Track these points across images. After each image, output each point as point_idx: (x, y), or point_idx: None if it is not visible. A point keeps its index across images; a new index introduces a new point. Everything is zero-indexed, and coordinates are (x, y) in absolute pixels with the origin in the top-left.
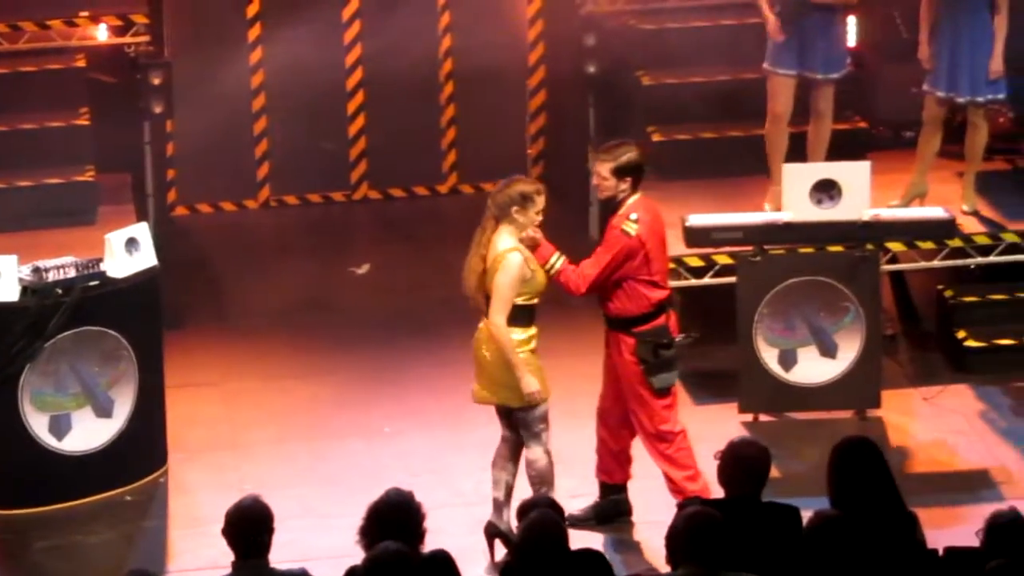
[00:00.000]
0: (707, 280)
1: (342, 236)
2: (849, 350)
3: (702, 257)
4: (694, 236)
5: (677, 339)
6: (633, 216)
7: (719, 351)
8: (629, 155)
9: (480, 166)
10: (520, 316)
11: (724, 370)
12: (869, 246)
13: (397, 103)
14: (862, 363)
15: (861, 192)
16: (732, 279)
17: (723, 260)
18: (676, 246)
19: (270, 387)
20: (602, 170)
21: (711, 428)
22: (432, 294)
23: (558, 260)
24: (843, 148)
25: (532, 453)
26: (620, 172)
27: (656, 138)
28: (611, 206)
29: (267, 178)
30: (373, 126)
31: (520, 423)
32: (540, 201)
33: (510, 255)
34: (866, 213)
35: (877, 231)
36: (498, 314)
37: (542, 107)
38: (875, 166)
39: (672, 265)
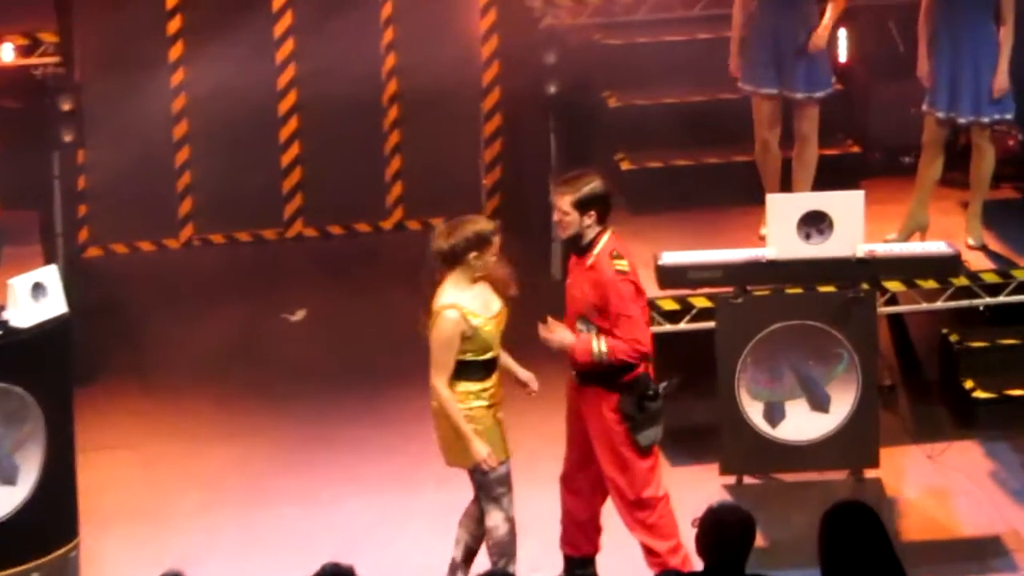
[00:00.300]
0: (683, 325)
1: (274, 279)
2: (843, 403)
3: (677, 299)
4: (668, 276)
5: (662, 387)
6: (614, 253)
7: (697, 405)
8: (592, 185)
9: (429, 199)
10: (470, 371)
11: (703, 426)
12: (864, 286)
13: (335, 129)
14: (857, 417)
15: (854, 225)
16: (711, 324)
17: (701, 303)
18: (648, 288)
19: (194, 449)
20: (562, 204)
21: (689, 492)
22: (375, 343)
23: (601, 344)
24: (833, 176)
25: (491, 520)
26: (582, 205)
27: (625, 166)
28: (577, 246)
29: (190, 215)
30: (309, 155)
31: (476, 486)
32: (496, 241)
33: (445, 313)
34: (860, 249)
35: (873, 269)
36: (435, 376)
37: (498, 132)
38: (869, 196)
39: None
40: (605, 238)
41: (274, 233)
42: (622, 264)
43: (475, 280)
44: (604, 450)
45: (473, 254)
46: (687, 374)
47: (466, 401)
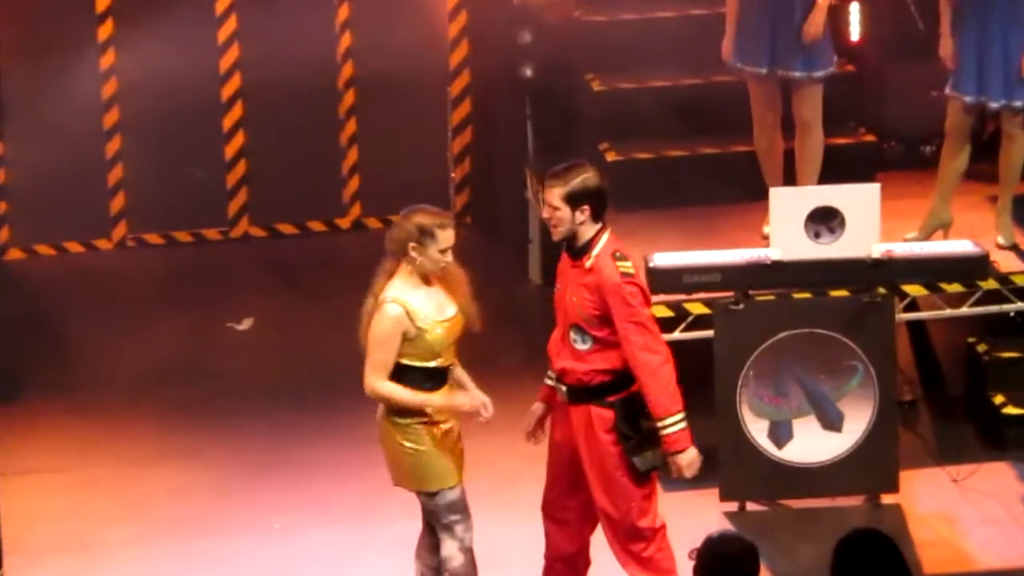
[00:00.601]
0: (677, 335)
1: (218, 283)
2: (857, 421)
3: (671, 306)
4: (660, 280)
5: None
6: (617, 254)
7: (694, 424)
8: (584, 177)
9: (390, 195)
10: (410, 378)
11: (701, 447)
12: (880, 290)
13: (285, 117)
14: (873, 437)
15: (869, 222)
16: (708, 333)
17: (697, 309)
18: None
19: (130, 473)
20: (551, 198)
21: (685, 520)
22: (331, 355)
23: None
24: (845, 168)
25: (445, 549)
26: (574, 199)
27: (610, 157)
28: (571, 247)
29: (123, 212)
30: (255, 146)
31: (426, 513)
32: (444, 237)
33: (387, 306)
34: (876, 249)
35: (890, 271)
36: (369, 374)
37: (467, 120)
38: (886, 190)
39: None
40: (604, 237)
41: (217, 233)
42: (627, 266)
43: (428, 279)
44: (596, 475)
45: (412, 245)
46: (683, 389)
47: (402, 415)
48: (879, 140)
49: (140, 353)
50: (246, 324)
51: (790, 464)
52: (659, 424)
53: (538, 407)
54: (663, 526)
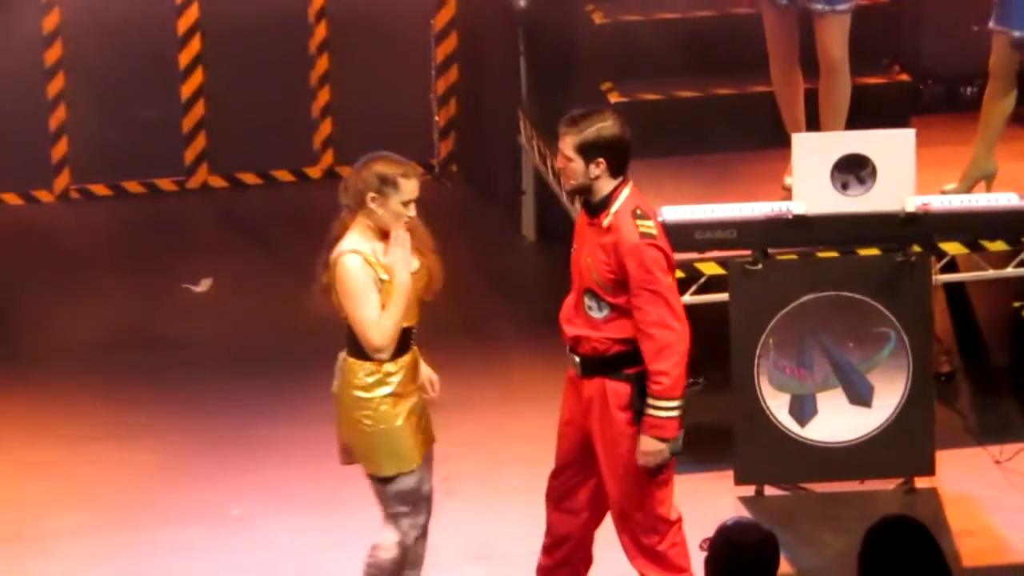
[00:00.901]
0: (688, 298)
1: (173, 240)
2: (889, 395)
3: (680, 265)
4: (669, 236)
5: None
6: (638, 212)
7: (706, 398)
8: (601, 124)
9: (366, 141)
10: None
11: (713, 424)
12: (915, 248)
13: (248, 53)
14: (907, 413)
15: (903, 172)
16: (723, 296)
17: (710, 270)
18: None
19: (75, 454)
20: (564, 147)
21: (696, 506)
22: (299, 322)
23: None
24: (877, 111)
25: (382, 536)
26: (588, 150)
27: (613, 99)
28: (588, 203)
29: (66, 160)
30: (215, 86)
31: (375, 495)
32: (408, 188)
33: (345, 257)
34: (910, 202)
35: (926, 227)
36: (369, 331)
37: (453, 57)
38: (922, 136)
39: None
40: (625, 193)
41: (172, 183)
42: (648, 226)
43: (386, 236)
44: (608, 457)
45: (371, 196)
46: (694, 359)
47: (363, 389)
48: (915, 80)
49: (85, 319)
50: (204, 285)
51: (813, 444)
52: (650, 403)
53: None
54: (679, 519)
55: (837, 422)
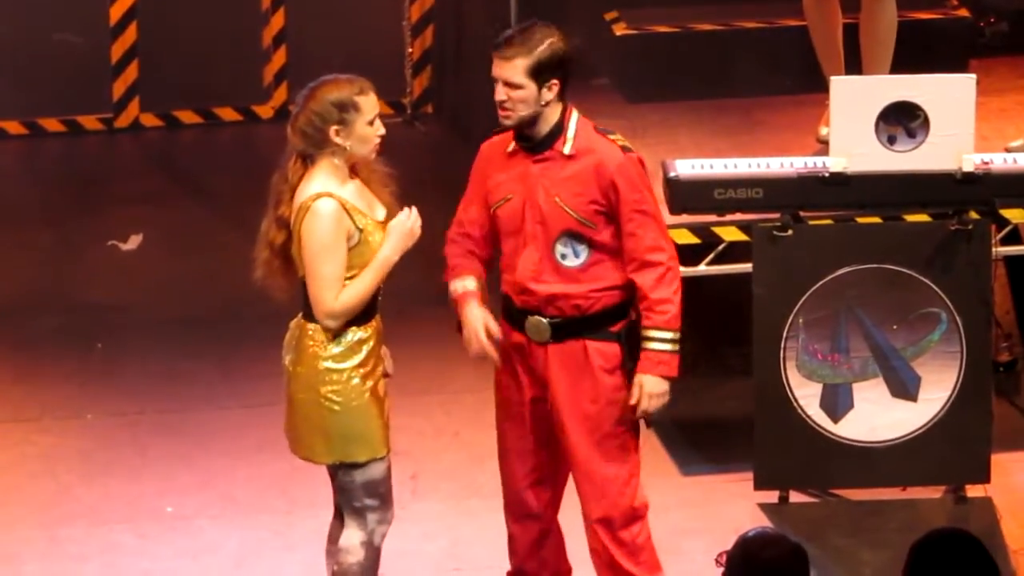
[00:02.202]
0: (703, 268)
1: (99, 187)
2: (939, 387)
3: (696, 230)
4: (683, 195)
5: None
6: (601, 128)
7: (722, 386)
8: (551, 40)
9: (325, 74)
10: None
11: (730, 418)
12: (973, 214)
13: None
14: (959, 409)
15: (961, 125)
16: (747, 267)
17: (731, 235)
18: None
19: None
20: (510, 74)
21: (710, 514)
22: (244, 286)
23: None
24: (929, 52)
25: (347, 538)
26: (541, 72)
27: (619, 30)
28: (528, 136)
29: None
30: (149, 7)
31: (338, 489)
32: (369, 104)
33: (319, 203)
34: (968, 160)
35: (987, 189)
36: (322, 301)
37: None
38: (984, 82)
39: None
40: (575, 115)
41: (97, 121)
42: (619, 139)
43: (350, 174)
44: (588, 435)
45: (335, 129)
46: (708, 339)
47: (331, 359)
48: (975, 15)
49: None
50: (133, 242)
51: (848, 443)
52: (652, 335)
53: (478, 310)
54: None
55: (876, 418)
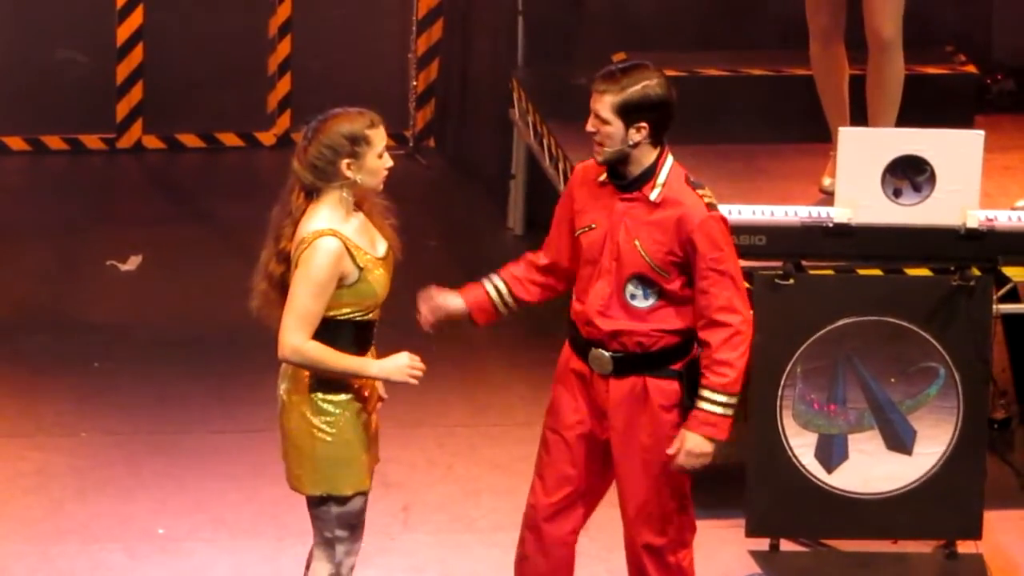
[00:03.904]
0: None
1: (99, 208)
2: (933, 442)
3: None
4: None
5: None
6: (692, 180)
7: None
8: (646, 83)
9: (329, 106)
10: (343, 338)
11: (723, 464)
12: (975, 271)
13: None
14: (953, 464)
15: (967, 181)
16: None
17: None
18: None
19: None
20: (601, 109)
21: (700, 560)
22: (242, 310)
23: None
24: (937, 106)
25: (315, 572)
26: (630, 112)
27: None
28: (620, 175)
29: None
30: (155, 29)
31: (314, 518)
32: (379, 137)
33: (322, 240)
34: (973, 216)
35: (989, 246)
36: (292, 329)
37: (437, 11)
38: (991, 139)
39: None
40: (670, 161)
41: (100, 141)
42: (709, 196)
43: (355, 207)
44: (647, 467)
45: (346, 162)
46: None
47: (329, 391)
48: (982, 72)
49: None
50: (132, 263)
51: (841, 493)
52: (707, 396)
53: (458, 303)
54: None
55: (870, 470)
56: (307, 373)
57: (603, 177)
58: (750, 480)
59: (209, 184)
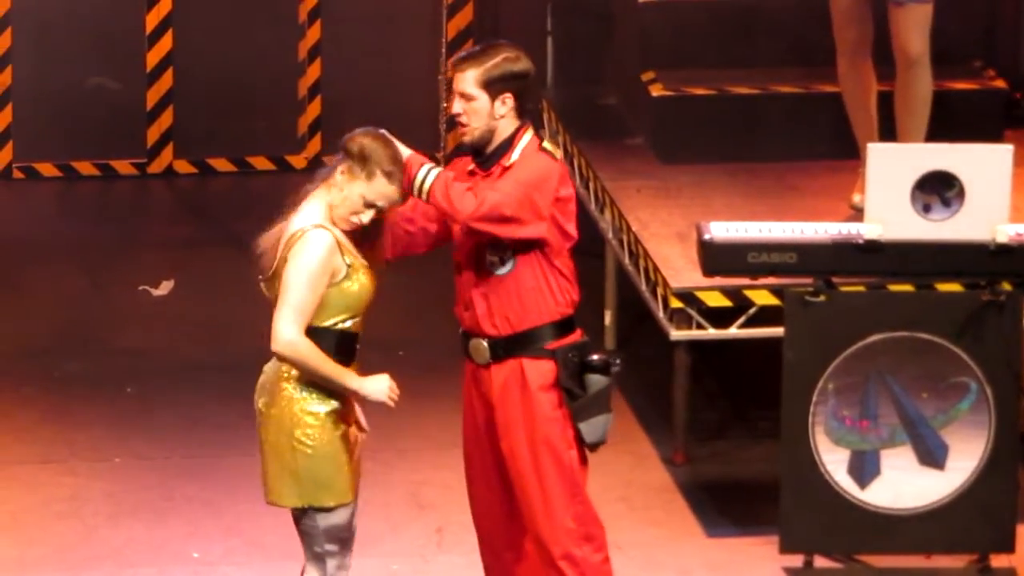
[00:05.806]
0: (734, 331)
1: (130, 232)
2: (966, 456)
3: (727, 293)
4: (717, 258)
5: (613, 358)
6: (544, 145)
7: (748, 449)
8: (507, 55)
9: (360, 126)
10: (325, 345)
11: (757, 480)
12: (1006, 286)
13: (224, 16)
14: (986, 478)
15: (997, 196)
16: (778, 331)
17: (763, 299)
18: (686, 273)
19: (5, 479)
20: (464, 85)
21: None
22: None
23: (429, 172)
24: (965, 122)
25: None
26: (494, 83)
27: (656, 91)
28: (482, 153)
29: (8, 134)
30: (186, 53)
31: (301, 533)
32: (381, 188)
33: (314, 232)
34: (1003, 231)
35: (1020, 261)
36: (285, 321)
37: (467, 32)
38: (1021, 154)
39: (678, 304)
40: (529, 134)
41: (131, 166)
42: (550, 146)
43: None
44: (533, 452)
45: (346, 166)
46: (737, 401)
47: (308, 403)
48: (1012, 87)
49: (23, 320)
50: (164, 288)
51: (874, 509)
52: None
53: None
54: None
55: (903, 485)
56: (286, 387)
57: (471, 167)
58: (783, 497)
59: (240, 208)
